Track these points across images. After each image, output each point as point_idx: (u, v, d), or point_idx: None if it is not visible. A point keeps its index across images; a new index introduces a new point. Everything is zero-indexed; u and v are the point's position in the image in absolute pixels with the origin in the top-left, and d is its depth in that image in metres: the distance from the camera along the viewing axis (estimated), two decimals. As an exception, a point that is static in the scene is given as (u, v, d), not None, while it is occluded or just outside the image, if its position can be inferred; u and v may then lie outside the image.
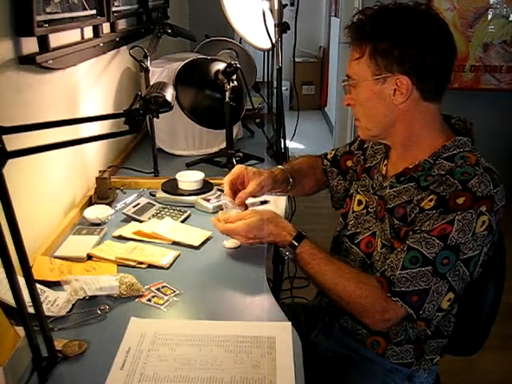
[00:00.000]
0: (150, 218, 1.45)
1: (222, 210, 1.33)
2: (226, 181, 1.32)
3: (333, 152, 1.48)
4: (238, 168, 1.34)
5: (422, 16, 1.07)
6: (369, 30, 1.06)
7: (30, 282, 0.83)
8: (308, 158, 1.53)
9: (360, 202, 1.29)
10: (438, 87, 1.09)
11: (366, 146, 1.36)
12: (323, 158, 1.50)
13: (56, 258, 1.24)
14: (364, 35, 1.07)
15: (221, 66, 1.83)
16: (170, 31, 2.07)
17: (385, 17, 1.06)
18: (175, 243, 1.33)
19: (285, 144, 1.94)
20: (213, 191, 1.59)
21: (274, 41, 1.78)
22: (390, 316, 1.07)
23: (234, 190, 1.31)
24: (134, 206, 1.50)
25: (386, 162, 1.24)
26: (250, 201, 1.43)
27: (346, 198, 1.42)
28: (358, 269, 1.21)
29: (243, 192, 1.29)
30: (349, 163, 1.42)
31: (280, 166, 1.43)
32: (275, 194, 1.58)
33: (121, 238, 1.35)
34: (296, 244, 1.15)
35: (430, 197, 1.06)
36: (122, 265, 1.23)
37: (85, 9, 1.59)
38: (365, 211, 1.26)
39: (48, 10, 1.31)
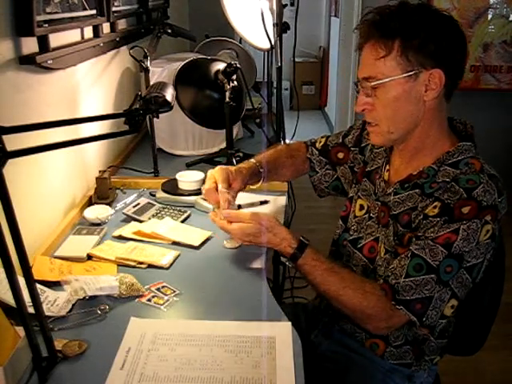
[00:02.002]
0: (150, 218, 1.45)
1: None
2: (221, 191, 1.22)
3: (323, 140, 1.44)
4: (224, 171, 1.26)
5: (443, 15, 1.07)
6: (398, 26, 1.03)
7: (30, 281, 0.83)
8: (289, 146, 1.50)
9: (362, 207, 1.28)
10: (456, 85, 1.09)
11: (363, 144, 1.35)
12: (310, 145, 1.46)
13: (56, 257, 1.24)
14: (391, 31, 1.03)
15: (221, 66, 1.83)
16: (170, 31, 2.07)
17: (412, 13, 1.04)
18: (175, 243, 1.33)
19: (285, 144, 1.94)
20: (213, 191, 1.59)
21: (272, 41, 1.78)
22: (393, 323, 1.08)
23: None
24: (134, 206, 1.50)
25: (387, 167, 1.23)
26: (249, 200, 1.43)
27: (335, 188, 1.42)
28: (361, 275, 1.21)
29: (232, 192, 1.25)
30: (340, 155, 1.39)
31: (252, 160, 1.39)
32: (273, 194, 1.59)
33: (121, 237, 1.35)
34: (298, 256, 1.13)
35: (435, 204, 1.05)
36: (122, 265, 1.22)
37: (85, 9, 1.59)
38: (367, 216, 1.25)
39: (48, 10, 1.31)
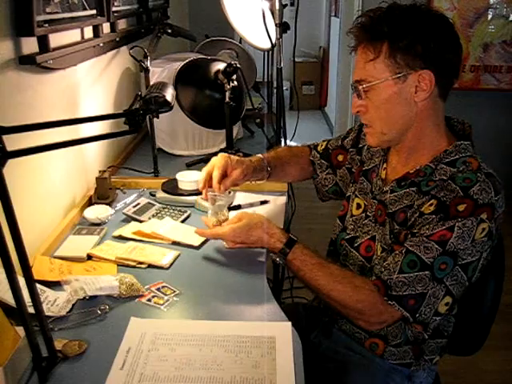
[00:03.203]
0: (150, 218, 1.45)
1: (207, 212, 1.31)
2: (214, 176, 1.26)
3: (324, 144, 1.46)
4: (223, 159, 1.29)
5: (435, 15, 1.07)
6: (386, 29, 1.04)
7: (30, 282, 0.83)
8: (292, 147, 1.53)
9: (359, 206, 1.28)
10: (452, 84, 1.09)
11: (360, 145, 1.35)
12: (312, 148, 1.48)
13: (56, 258, 1.24)
14: (379, 34, 1.04)
15: (221, 66, 1.83)
16: (170, 31, 2.07)
17: (400, 15, 1.05)
18: (175, 243, 1.33)
19: (285, 144, 1.94)
20: (213, 191, 1.59)
21: (273, 41, 1.78)
22: (385, 318, 1.09)
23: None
24: (134, 206, 1.50)
25: (385, 165, 1.23)
26: (249, 200, 1.44)
27: (335, 193, 1.43)
28: (356, 272, 1.21)
29: (227, 180, 1.28)
30: (340, 158, 1.41)
31: (259, 155, 1.42)
32: (273, 194, 1.59)
33: (121, 238, 1.35)
34: (287, 251, 1.14)
35: (431, 201, 1.05)
36: (122, 265, 1.23)
37: (85, 9, 1.59)
38: (364, 215, 1.25)
39: (48, 10, 1.31)
